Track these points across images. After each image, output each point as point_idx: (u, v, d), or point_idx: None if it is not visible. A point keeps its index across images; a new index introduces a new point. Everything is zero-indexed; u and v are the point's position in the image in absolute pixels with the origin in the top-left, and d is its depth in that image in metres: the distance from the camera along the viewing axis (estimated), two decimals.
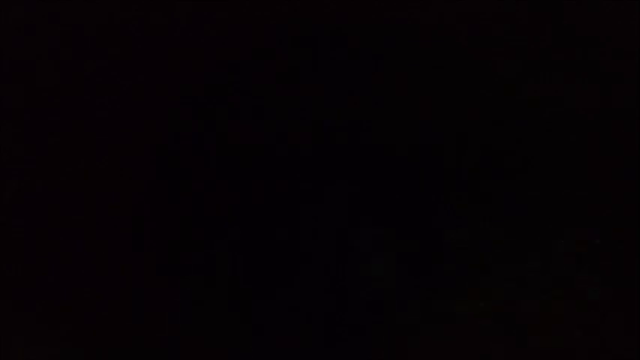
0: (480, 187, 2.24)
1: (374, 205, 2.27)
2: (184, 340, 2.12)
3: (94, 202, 2.29)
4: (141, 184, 2.30)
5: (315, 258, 2.20)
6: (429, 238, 2.22)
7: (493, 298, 2.15)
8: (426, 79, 2.34)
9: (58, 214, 2.27)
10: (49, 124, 2.33)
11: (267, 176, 2.28)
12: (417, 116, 2.32)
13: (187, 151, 2.34)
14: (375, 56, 2.37)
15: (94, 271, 2.21)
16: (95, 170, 2.31)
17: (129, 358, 2.11)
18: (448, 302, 2.15)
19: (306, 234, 2.23)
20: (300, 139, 2.32)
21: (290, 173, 2.29)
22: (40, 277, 2.21)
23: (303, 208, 2.26)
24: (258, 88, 2.35)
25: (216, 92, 2.37)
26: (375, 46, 2.36)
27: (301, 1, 2.34)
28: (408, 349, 2.11)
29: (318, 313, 2.15)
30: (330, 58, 2.35)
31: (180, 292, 2.17)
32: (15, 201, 2.27)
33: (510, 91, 2.30)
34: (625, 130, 2.23)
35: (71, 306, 2.18)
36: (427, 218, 2.24)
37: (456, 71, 2.34)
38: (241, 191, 2.30)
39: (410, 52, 2.37)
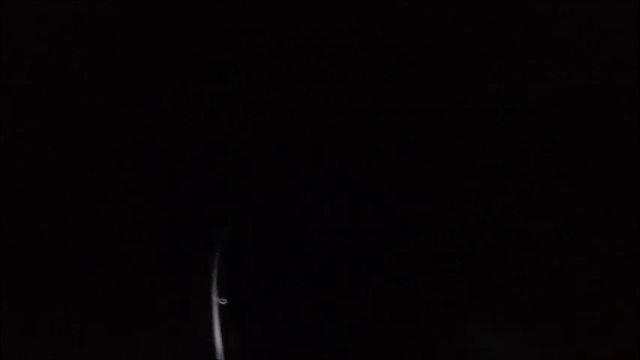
0: (479, 187, 2.25)
1: (375, 207, 2.27)
2: (182, 339, 2.13)
3: (94, 202, 2.29)
4: (141, 183, 2.30)
5: (314, 256, 2.20)
6: (428, 239, 2.23)
7: (494, 299, 2.15)
8: (426, 79, 2.34)
9: (58, 214, 2.27)
10: (48, 123, 2.33)
11: (266, 172, 2.29)
12: (417, 115, 2.32)
13: (187, 150, 2.34)
14: (374, 56, 2.37)
15: (93, 272, 2.21)
16: (94, 171, 2.32)
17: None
18: (449, 301, 2.15)
19: (304, 234, 2.23)
20: (300, 140, 2.32)
21: (289, 173, 2.29)
22: (41, 278, 2.21)
23: (301, 209, 2.26)
24: (257, 86, 2.35)
25: (216, 91, 2.37)
26: (373, 46, 2.36)
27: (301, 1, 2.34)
28: (406, 347, 2.11)
29: (315, 312, 2.15)
30: (326, 60, 2.35)
31: (181, 290, 2.17)
32: (14, 201, 2.27)
33: (510, 91, 2.30)
34: (625, 130, 2.23)
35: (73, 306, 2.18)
36: (426, 218, 2.24)
37: (455, 71, 2.35)
38: (241, 188, 2.30)
39: (409, 52, 2.37)
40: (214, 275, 1.96)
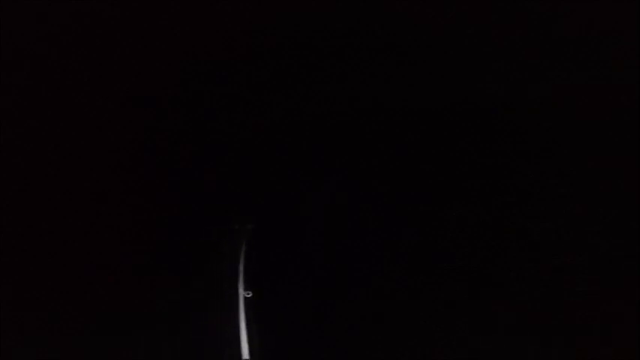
0: (479, 187, 2.24)
1: (375, 207, 2.27)
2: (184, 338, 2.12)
3: (94, 202, 2.29)
4: (141, 183, 2.30)
5: (314, 256, 2.20)
6: (428, 239, 2.22)
7: (494, 299, 2.15)
8: (426, 79, 2.34)
9: (58, 214, 2.27)
10: (48, 123, 2.33)
11: (266, 172, 2.29)
12: (417, 115, 2.32)
13: (187, 150, 2.34)
14: (374, 56, 2.37)
15: (93, 272, 2.21)
16: (94, 171, 2.32)
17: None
18: (448, 301, 2.15)
19: (305, 234, 2.23)
20: (300, 140, 2.32)
21: (289, 173, 2.29)
22: (41, 278, 2.21)
23: (302, 209, 2.26)
24: (257, 86, 2.35)
25: (216, 91, 2.37)
26: (373, 46, 2.36)
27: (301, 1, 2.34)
28: (406, 347, 2.11)
29: (315, 312, 2.14)
30: (327, 60, 2.35)
31: (183, 289, 2.17)
32: (15, 201, 2.27)
33: (510, 91, 2.30)
34: (625, 130, 2.23)
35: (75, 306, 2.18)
36: (426, 218, 2.24)
37: (455, 71, 2.34)
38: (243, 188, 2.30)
39: (409, 52, 2.37)
40: (241, 269, 1.98)
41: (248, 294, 1.94)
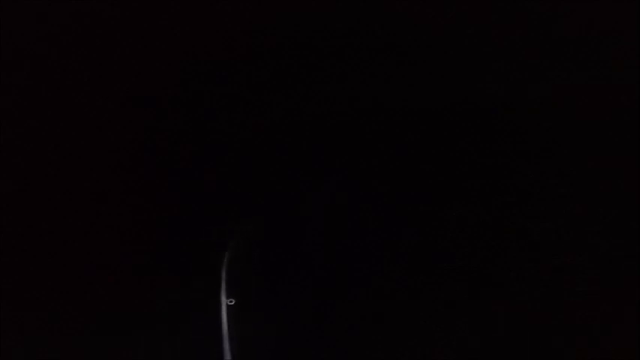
0: (479, 187, 2.24)
1: (375, 207, 2.27)
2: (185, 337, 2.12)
3: (94, 202, 2.29)
4: (141, 183, 2.30)
5: (314, 256, 2.20)
6: (428, 239, 2.22)
7: (494, 299, 2.14)
8: (426, 79, 2.34)
9: (58, 214, 2.27)
10: (48, 123, 2.33)
11: (266, 172, 2.29)
12: (417, 115, 2.32)
13: (187, 150, 2.34)
14: (374, 56, 2.37)
15: (94, 272, 2.21)
16: (94, 171, 2.32)
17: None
18: (448, 302, 2.15)
19: (304, 234, 2.23)
20: (300, 140, 2.32)
21: (289, 173, 2.29)
22: (41, 278, 2.21)
23: (302, 209, 2.26)
24: (257, 86, 2.34)
25: (216, 91, 2.37)
26: (373, 46, 2.36)
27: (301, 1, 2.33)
28: (406, 347, 2.11)
29: (315, 312, 2.15)
30: (327, 60, 2.35)
31: (183, 289, 2.17)
32: (15, 201, 2.27)
33: (510, 91, 2.30)
34: (625, 130, 2.23)
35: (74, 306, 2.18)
36: (426, 218, 2.24)
37: (455, 71, 2.34)
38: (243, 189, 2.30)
39: (409, 52, 2.37)
40: (223, 275, 1.97)
41: (230, 301, 1.94)
